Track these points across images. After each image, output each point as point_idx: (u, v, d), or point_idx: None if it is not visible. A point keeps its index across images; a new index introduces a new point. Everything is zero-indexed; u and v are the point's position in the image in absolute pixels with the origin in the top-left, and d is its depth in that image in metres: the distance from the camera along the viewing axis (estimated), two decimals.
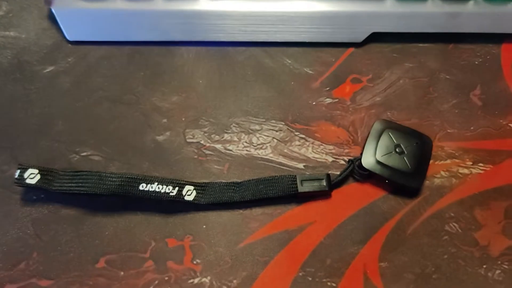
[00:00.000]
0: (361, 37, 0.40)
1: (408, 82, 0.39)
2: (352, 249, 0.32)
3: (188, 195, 0.33)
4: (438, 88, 0.39)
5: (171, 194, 0.32)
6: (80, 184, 0.32)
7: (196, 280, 0.31)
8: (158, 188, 0.32)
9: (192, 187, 0.33)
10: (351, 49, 0.40)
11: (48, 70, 0.39)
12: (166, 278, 0.31)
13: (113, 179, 0.32)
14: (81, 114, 0.37)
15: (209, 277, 0.31)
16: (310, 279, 0.32)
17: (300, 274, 0.32)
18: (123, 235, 0.33)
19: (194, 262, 0.32)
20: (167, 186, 0.32)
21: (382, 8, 0.40)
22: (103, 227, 0.33)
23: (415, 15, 0.39)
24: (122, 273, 0.31)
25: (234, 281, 0.31)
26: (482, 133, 0.37)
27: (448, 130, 0.37)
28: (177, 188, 0.32)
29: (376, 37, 0.40)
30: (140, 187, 0.32)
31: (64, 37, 0.40)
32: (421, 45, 0.41)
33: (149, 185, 0.32)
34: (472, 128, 0.37)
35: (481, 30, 0.40)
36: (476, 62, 0.40)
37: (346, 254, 0.32)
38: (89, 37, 0.41)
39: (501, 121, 0.37)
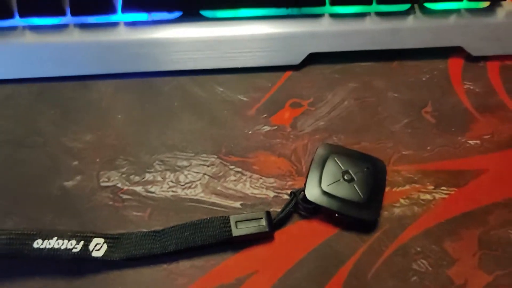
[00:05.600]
0: (298, 59, 0.37)
1: (353, 103, 0.35)
2: None
3: (96, 250, 0.26)
4: (387, 107, 0.35)
5: (74, 250, 0.26)
6: None
7: None
8: (58, 243, 0.26)
9: (101, 240, 0.27)
10: (289, 73, 0.37)
11: None
12: None
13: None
14: None
15: None
16: None
17: None
18: None
19: None
20: (69, 240, 0.26)
21: (318, 28, 0.37)
22: None
23: (353, 33, 0.37)
24: None
25: None
26: (440, 153, 0.33)
27: (403, 152, 0.33)
28: (82, 243, 0.26)
29: (315, 59, 0.37)
30: (35, 245, 0.26)
31: None
32: (363, 64, 0.37)
33: (46, 241, 0.26)
34: (428, 148, 0.33)
35: (424, 45, 0.37)
36: (424, 79, 0.37)
37: None
38: None
39: (459, 138, 0.33)
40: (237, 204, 0.30)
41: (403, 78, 0.37)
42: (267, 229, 0.28)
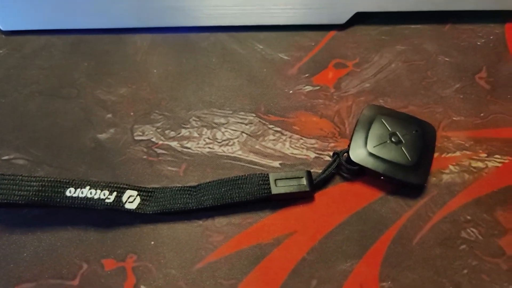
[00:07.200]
0: (343, 19, 0.34)
1: (401, 66, 0.33)
2: (344, 265, 0.25)
3: (129, 202, 0.25)
4: (437, 71, 0.33)
5: (106, 201, 0.25)
6: None
7: None
8: (91, 193, 0.25)
9: (135, 192, 0.26)
10: (333, 32, 0.35)
11: None
12: None
13: (32, 183, 0.25)
14: (6, 111, 0.30)
15: None
16: None
17: None
18: (46, 257, 0.25)
19: None
20: (102, 190, 0.25)
21: None
22: (21, 247, 0.25)
23: None
24: None
25: None
26: (495, 120, 0.30)
27: (454, 118, 0.30)
28: (115, 194, 0.25)
29: (361, 19, 0.35)
30: (67, 193, 0.25)
31: None
32: (413, 26, 0.35)
33: (78, 190, 0.25)
34: (482, 114, 0.31)
35: (481, 8, 0.35)
36: (478, 43, 0.34)
37: (336, 273, 0.25)
38: (27, 26, 0.35)
39: None
40: (276, 164, 0.28)
41: (456, 42, 0.34)
42: (307, 189, 0.26)
